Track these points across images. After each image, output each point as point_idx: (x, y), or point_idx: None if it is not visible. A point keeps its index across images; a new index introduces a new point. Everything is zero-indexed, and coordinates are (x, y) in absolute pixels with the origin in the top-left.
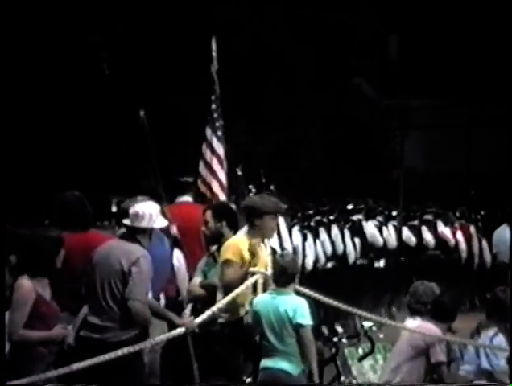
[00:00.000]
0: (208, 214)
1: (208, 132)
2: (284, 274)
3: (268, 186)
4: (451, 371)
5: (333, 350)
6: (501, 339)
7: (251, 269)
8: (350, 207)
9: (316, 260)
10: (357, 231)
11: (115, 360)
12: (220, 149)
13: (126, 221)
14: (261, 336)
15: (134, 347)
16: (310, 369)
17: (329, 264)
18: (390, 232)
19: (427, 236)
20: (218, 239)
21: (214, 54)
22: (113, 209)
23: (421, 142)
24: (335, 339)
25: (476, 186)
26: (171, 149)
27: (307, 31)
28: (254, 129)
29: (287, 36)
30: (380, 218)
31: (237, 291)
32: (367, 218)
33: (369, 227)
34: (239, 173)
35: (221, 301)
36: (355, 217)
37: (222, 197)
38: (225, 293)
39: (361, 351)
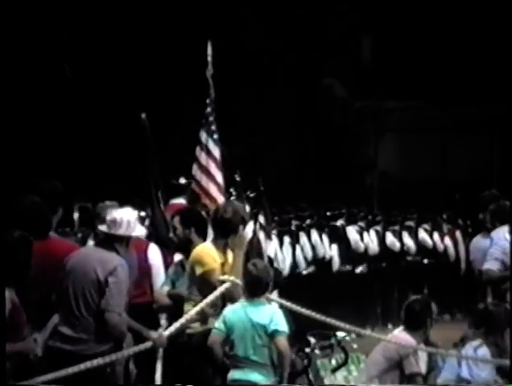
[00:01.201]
0: (177, 220)
1: (203, 135)
2: (258, 284)
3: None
4: (430, 380)
5: (305, 361)
6: (485, 351)
7: (221, 277)
8: (330, 213)
9: (296, 265)
10: (338, 236)
11: (85, 373)
12: (216, 152)
13: (103, 228)
14: (230, 347)
15: (104, 359)
16: (281, 379)
17: (309, 270)
18: (371, 238)
19: (408, 242)
20: (186, 246)
21: (209, 58)
22: (75, 215)
23: (395, 145)
24: (307, 350)
25: (451, 191)
26: (165, 151)
27: (277, 30)
28: (223, 132)
29: (259, 35)
30: (361, 223)
31: (206, 301)
32: (348, 223)
33: (351, 233)
34: (237, 179)
35: (189, 312)
36: (337, 223)
37: (221, 200)
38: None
39: (334, 362)
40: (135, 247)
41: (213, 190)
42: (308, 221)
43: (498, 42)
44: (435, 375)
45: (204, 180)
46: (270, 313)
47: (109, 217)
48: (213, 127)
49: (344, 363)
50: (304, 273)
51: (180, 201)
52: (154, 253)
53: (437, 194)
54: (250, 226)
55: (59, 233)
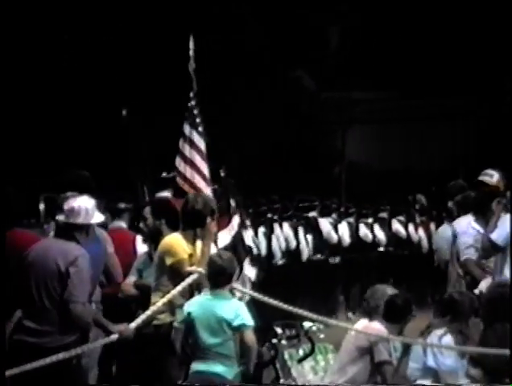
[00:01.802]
0: (147, 210)
1: (187, 128)
2: (221, 274)
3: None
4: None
5: (272, 352)
6: (449, 339)
7: (188, 269)
8: (302, 204)
9: (271, 256)
10: (312, 228)
11: (51, 366)
12: (201, 144)
13: (61, 217)
14: (194, 339)
15: (70, 353)
16: (247, 370)
17: (283, 260)
18: (344, 230)
19: (379, 234)
20: (156, 237)
21: (192, 52)
22: (41, 206)
23: (362, 136)
24: (274, 341)
25: (417, 182)
26: (153, 145)
27: (244, 21)
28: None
29: (227, 28)
30: (334, 215)
31: (174, 292)
32: (322, 215)
33: (324, 224)
34: (222, 174)
35: (157, 303)
36: (310, 214)
37: (207, 191)
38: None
39: (301, 352)
40: (123, 239)
41: (198, 181)
42: (281, 213)
43: (471, 33)
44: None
45: (188, 172)
46: (235, 307)
47: (66, 206)
48: (198, 120)
49: (311, 353)
50: (279, 263)
51: (166, 195)
52: (141, 245)
53: (402, 185)
54: (236, 219)
55: (25, 225)
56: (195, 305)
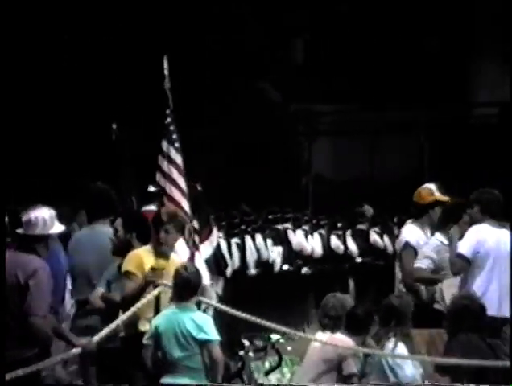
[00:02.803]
0: (119, 222)
1: (165, 144)
2: (187, 287)
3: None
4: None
5: (239, 364)
6: (402, 348)
7: (152, 278)
8: (275, 216)
9: (244, 268)
10: (281, 239)
11: (10, 381)
12: (178, 159)
13: (20, 230)
14: (162, 353)
15: (32, 368)
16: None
17: (255, 272)
18: (316, 241)
19: (352, 246)
20: (126, 250)
21: (166, 72)
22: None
23: (328, 148)
24: (241, 353)
25: (382, 194)
26: (141, 159)
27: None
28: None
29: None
30: (305, 227)
31: (139, 304)
32: (294, 226)
33: (297, 236)
34: (199, 188)
35: (121, 317)
36: (280, 226)
37: (185, 205)
38: (124, 307)
39: (267, 364)
40: None
41: (176, 195)
42: (253, 225)
43: (428, 47)
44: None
45: (167, 186)
46: (200, 321)
47: (24, 218)
48: (174, 136)
49: (278, 366)
50: (251, 274)
51: (152, 208)
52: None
53: (369, 195)
54: (215, 231)
55: None
56: (161, 319)
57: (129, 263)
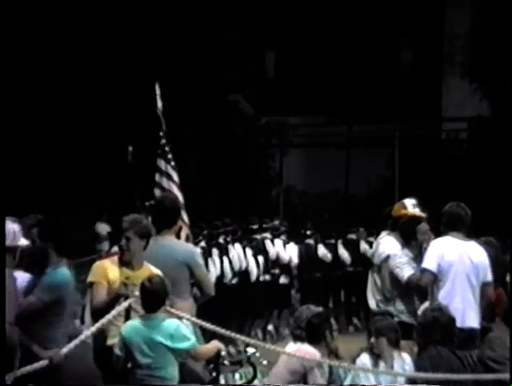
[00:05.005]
0: (35, 232)
1: (162, 163)
2: (154, 299)
3: None
4: None
5: (214, 374)
6: (365, 358)
7: (124, 292)
8: (254, 226)
9: (223, 277)
10: (259, 249)
11: None
12: (175, 177)
13: None
14: (133, 364)
15: None
16: None
17: (234, 281)
18: (293, 250)
19: (344, 254)
20: (40, 262)
21: (158, 97)
22: None
23: (300, 160)
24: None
25: (354, 204)
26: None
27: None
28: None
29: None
30: (284, 237)
31: (109, 316)
32: (273, 236)
33: (275, 246)
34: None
35: (91, 328)
36: (260, 236)
37: (185, 217)
38: (93, 317)
39: (237, 376)
40: None
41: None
42: (233, 235)
43: (399, 63)
44: None
45: None
46: (172, 330)
47: None
48: (169, 156)
49: (253, 379)
50: (230, 283)
51: None
52: None
53: (340, 207)
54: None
55: None
56: (130, 330)
57: (93, 274)
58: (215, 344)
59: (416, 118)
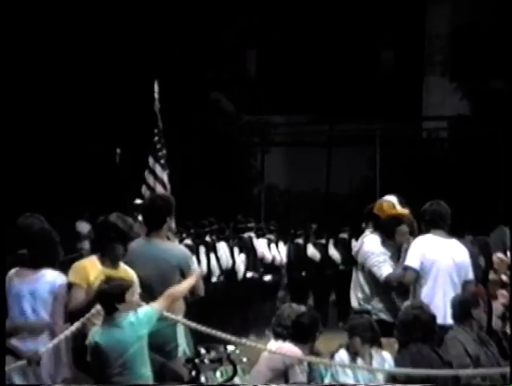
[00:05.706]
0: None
1: (151, 160)
2: (109, 300)
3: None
4: None
5: (193, 372)
6: (343, 354)
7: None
8: (240, 225)
9: (210, 275)
10: (246, 247)
11: None
12: (163, 176)
13: None
14: (106, 367)
15: None
16: None
17: (220, 279)
18: (279, 249)
19: (334, 254)
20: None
21: (156, 95)
22: None
23: (281, 159)
24: (196, 361)
25: (336, 203)
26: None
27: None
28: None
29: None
30: (270, 236)
31: (87, 316)
32: (258, 235)
33: (260, 244)
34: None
35: (70, 328)
36: (245, 235)
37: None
38: (70, 319)
39: (219, 374)
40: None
41: None
42: (219, 234)
43: (381, 63)
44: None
45: None
46: (131, 321)
47: None
48: (160, 153)
49: (233, 376)
50: (216, 281)
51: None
52: None
53: (323, 205)
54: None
55: None
56: (98, 334)
57: (73, 274)
58: (189, 281)
59: (397, 117)
